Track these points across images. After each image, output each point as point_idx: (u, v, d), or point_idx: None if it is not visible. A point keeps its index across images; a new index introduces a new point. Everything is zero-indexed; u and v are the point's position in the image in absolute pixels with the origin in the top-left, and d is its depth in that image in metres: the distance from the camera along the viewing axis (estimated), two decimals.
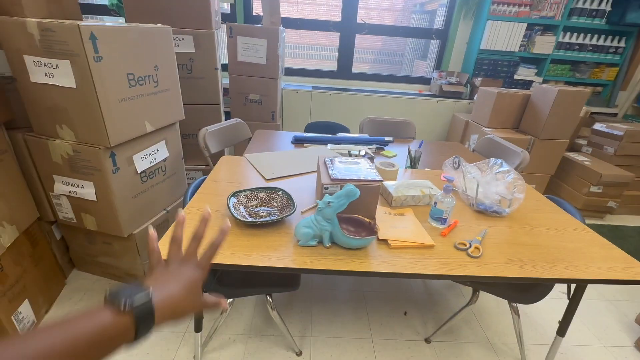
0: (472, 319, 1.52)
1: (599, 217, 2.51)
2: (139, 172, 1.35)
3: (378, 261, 0.86)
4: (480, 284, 1.21)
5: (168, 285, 0.39)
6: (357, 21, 3.04)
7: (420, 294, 1.65)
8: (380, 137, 1.83)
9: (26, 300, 1.26)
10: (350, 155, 1.52)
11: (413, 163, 1.49)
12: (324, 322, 1.45)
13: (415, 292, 1.65)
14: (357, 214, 0.97)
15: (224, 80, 2.57)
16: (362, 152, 1.53)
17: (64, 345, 0.29)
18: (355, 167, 1.07)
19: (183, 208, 1.03)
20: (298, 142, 1.77)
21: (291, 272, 0.83)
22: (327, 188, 0.98)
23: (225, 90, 2.59)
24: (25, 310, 1.25)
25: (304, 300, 1.55)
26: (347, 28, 3.07)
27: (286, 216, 0.94)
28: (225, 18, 3.00)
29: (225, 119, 2.25)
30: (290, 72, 3.17)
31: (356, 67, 3.28)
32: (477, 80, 2.91)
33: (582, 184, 2.42)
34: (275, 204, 1.05)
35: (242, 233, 0.92)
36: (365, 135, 1.89)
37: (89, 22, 1.08)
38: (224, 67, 2.55)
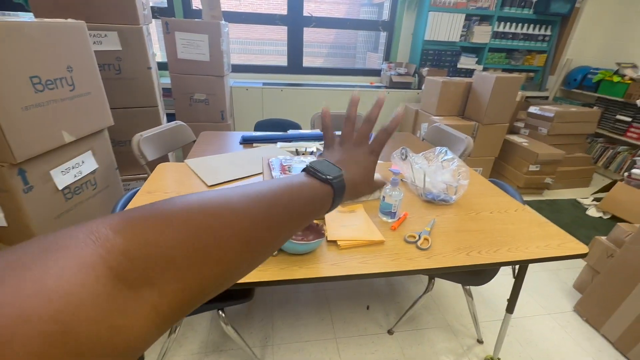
0: (432, 304, 1.56)
1: (538, 194, 2.72)
2: (60, 188, 1.19)
3: (327, 265, 0.82)
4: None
5: (349, 167, 0.39)
6: (304, 14, 2.97)
7: (382, 285, 1.66)
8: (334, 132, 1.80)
9: None
10: (297, 153, 1.47)
11: None
12: (286, 327, 1.40)
13: (376, 285, 1.66)
14: None
15: (164, 79, 2.38)
16: (313, 149, 1.49)
17: (284, 195, 0.30)
18: (301, 166, 1.02)
19: None
20: (247, 142, 1.68)
21: (233, 287, 0.76)
22: None
23: (168, 90, 2.41)
24: None
25: (264, 307, 1.49)
26: (295, 21, 2.99)
27: None
28: (163, 13, 2.78)
29: (169, 122, 2.09)
30: (239, 68, 3.03)
31: (309, 61, 3.23)
32: (424, 70, 3.00)
33: (522, 163, 2.60)
34: None
35: None
36: (317, 131, 1.85)
37: None
38: (163, 66, 2.37)
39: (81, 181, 1.28)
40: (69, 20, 1.17)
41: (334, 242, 0.89)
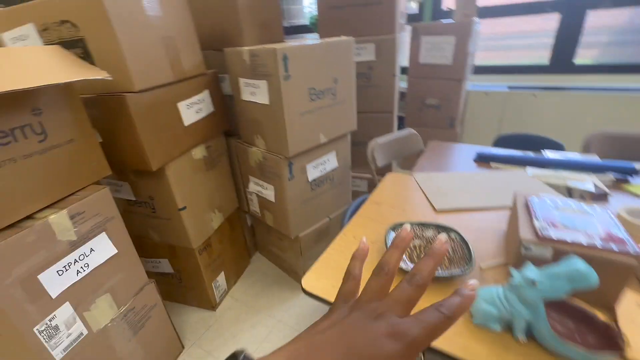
0: None
1: None
2: (309, 180, 1.43)
3: None
4: None
5: None
6: None
7: None
8: (623, 163, 1.20)
9: (222, 272, 1.59)
10: (569, 191, 1.05)
11: None
12: None
13: None
14: (579, 298, 0.62)
15: (401, 84, 2.45)
16: (589, 186, 1.04)
17: None
18: (585, 218, 0.69)
19: (341, 230, 0.98)
20: (482, 160, 1.41)
21: None
22: (529, 249, 0.67)
23: (401, 94, 2.47)
24: (221, 280, 1.58)
25: None
26: (573, 4, 2.26)
27: (458, 276, 0.71)
28: (412, 19, 2.84)
29: (398, 125, 2.13)
30: (479, 70, 2.68)
31: (579, 56, 2.39)
32: None
33: None
34: None
35: None
36: (594, 158, 1.30)
37: (283, 43, 1.19)
38: (404, 71, 2.42)
39: (324, 177, 1.49)
40: (342, 37, 1.33)
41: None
